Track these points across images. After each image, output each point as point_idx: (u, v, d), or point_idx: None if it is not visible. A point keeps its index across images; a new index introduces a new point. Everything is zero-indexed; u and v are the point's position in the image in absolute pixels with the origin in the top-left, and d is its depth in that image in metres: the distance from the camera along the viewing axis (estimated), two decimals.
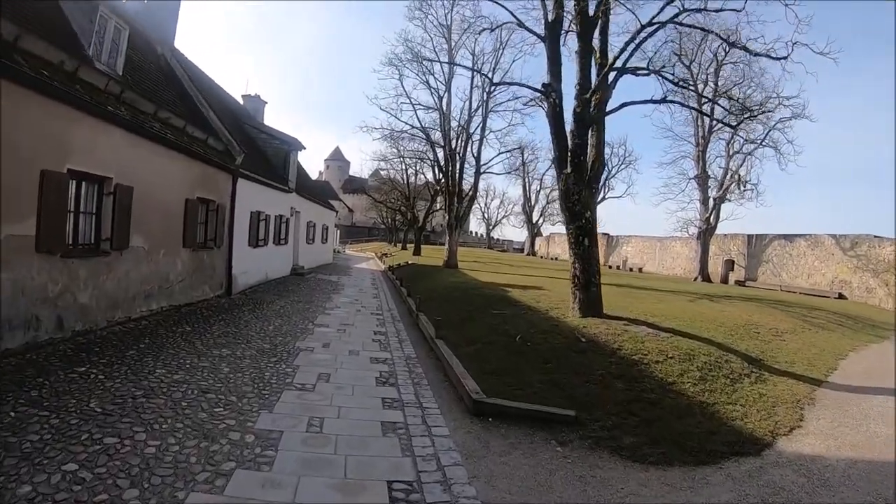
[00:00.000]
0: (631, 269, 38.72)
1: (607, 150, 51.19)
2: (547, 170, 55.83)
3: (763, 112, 18.30)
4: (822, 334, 11.88)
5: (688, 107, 21.59)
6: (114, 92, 9.18)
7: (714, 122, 26.17)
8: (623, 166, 50.86)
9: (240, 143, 15.15)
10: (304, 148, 22.82)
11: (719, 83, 28.20)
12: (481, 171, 27.64)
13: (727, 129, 22.02)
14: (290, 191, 21.06)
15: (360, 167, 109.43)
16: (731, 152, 30.03)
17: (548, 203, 59.61)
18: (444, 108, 26.56)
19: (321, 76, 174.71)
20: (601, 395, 6.64)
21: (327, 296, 16.40)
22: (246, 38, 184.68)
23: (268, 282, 18.27)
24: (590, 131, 10.78)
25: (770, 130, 26.27)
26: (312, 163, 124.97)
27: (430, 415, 6.07)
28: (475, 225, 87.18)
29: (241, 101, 24.47)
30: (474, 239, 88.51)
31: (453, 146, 26.44)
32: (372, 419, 5.78)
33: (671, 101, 12.39)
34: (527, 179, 58.07)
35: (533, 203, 60.22)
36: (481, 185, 29.97)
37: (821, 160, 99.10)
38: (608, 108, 10.92)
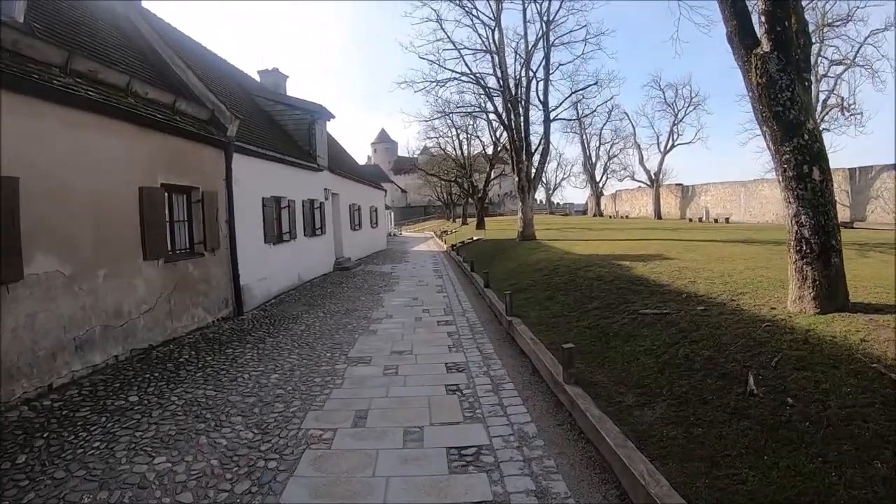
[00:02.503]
0: (716, 221, 33.03)
1: (670, 94, 45.65)
2: (605, 124, 50.56)
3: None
4: None
5: None
6: None
7: None
8: (691, 108, 45.54)
9: (234, 109, 11.00)
10: (333, 116, 18.57)
11: None
12: (551, 117, 22.48)
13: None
14: (321, 168, 16.92)
15: (407, 144, 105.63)
16: (817, 76, 26.00)
17: (609, 159, 56.36)
18: (496, 44, 21.53)
19: (357, 57, 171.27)
20: None
21: (375, 297, 12.18)
22: (275, 27, 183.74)
23: (301, 286, 14.27)
24: None
25: (861, 46, 20.97)
26: (359, 149, 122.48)
27: None
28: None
29: (258, 78, 20.52)
30: (533, 206, 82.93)
31: (513, 92, 21.42)
32: None
33: None
34: (585, 135, 53.99)
35: (594, 160, 56.54)
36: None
37: None
38: None
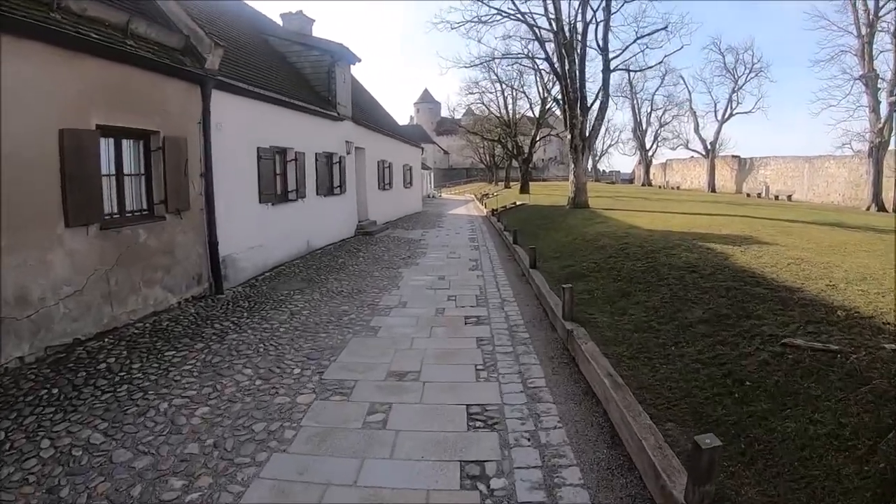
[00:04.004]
0: (776, 198, 29.68)
1: (730, 59, 41.33)
2: (657, 88, 46.85)
3: None
4: None
5: None
6: None
7: None
8: (752, 75, 41.05)
9: (217, 36, 8.66)
10: (359, 60, 15.97)
11: None
12: (611, 67, 19.16)
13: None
14: (341, 118, 14.49)
15: (447, 101, 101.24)
16: None
17: (661, 126, 52.34)
18: None
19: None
20: None
21: (392, 274, 9.83)
22: None
23: (309, 254, 12.05)
24: None
25: None
26: (401, 109, 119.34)
27: None
28: None
29: (281, 23, 17.96)
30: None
31: (567, 35, 18.21)
32: None
33: None
34: (636, 101, 50.47)
35: (644, 127, 52.74)
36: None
37: None
38: None
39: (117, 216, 6.77)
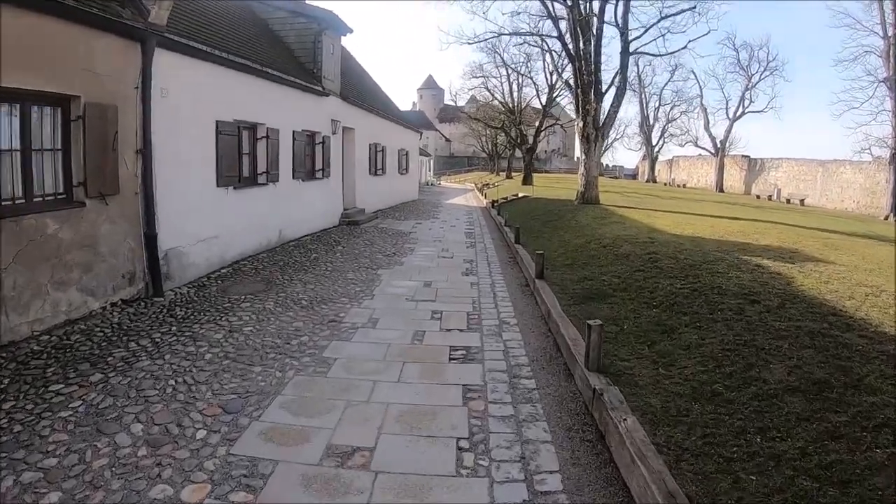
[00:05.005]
0: (788, 201, 28.34)
1: (744, 55, 39.52)
2: (666, 83, 45.51)
3: None
4: None
5: None
6: None
7: None
8: (767, 73, 39.27)
9: None
10: (350, 30, 14.29)
11: None
12: (630, 48, 17.37)
13: None
14: (326, 93, 12.85)
15: (450, 86, 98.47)
16: None
17: (668, 122, 51.06)
18: None
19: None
20: None
21: (369, 277, 8.26)
22: None
23: (280, 246, 10.49)
24: None
25: None
26: (405, 96, 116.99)
27: None
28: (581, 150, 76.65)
29: None
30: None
31: (582, 10, 16.43)
32: None
33: None
34: (644, 95, 48.72)
35: (651, 122, 51.28)
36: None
37: None
38: None
39: (21, 202, 5.25)
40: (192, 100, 7.65)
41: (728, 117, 40.61)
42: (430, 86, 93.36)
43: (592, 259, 8.07)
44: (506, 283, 8.08)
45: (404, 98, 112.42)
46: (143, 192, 6.74)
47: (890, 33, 21.57)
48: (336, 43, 13.96)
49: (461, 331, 5.70)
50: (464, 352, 5.04)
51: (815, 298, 5.09)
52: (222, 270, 8.32)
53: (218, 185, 8.40)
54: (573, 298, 6.08)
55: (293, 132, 11.14)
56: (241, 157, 9.31)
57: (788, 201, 28.51)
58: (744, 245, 8.15)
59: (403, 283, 7.83)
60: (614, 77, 17.22)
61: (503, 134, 47.01)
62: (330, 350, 4.97)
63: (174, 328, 5.53)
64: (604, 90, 16.87)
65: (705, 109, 43.32)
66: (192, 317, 5.96)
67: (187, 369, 4.48)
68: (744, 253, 7.33)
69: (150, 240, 6.80)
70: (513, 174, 46.69)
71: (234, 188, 8.93)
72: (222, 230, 8.49)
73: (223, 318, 5.89)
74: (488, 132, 53.88)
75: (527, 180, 34.74)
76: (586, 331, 3.82)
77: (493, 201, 21.80)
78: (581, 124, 16.33)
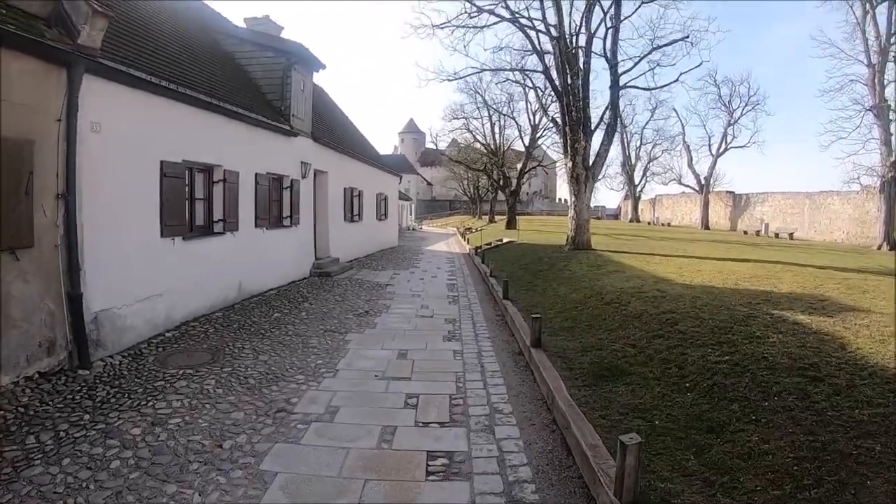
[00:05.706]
0: (777, 236, 28.12)
1: (725, 91, 41.23)
2: (647, 122, 46.31)
3: None
4: None
5: None
6: None
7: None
8: (748, 108, 40.40)
9: (96, 2, 6.13)
10: (323, 66, 13.51)
11: None
12: (620, 82, 16.52)
13: None
14: (294, 133, 11.91)
15: (430, 128, 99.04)
16: None
17: (650, 161, 51.68)
18: None
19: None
20: None
21: (334, 345, 7.04)
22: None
23: (239, 303, 9.30)
24: None
25: None
26: (386, 138, 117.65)
27: None
28: (564, 191, 76.87)
29: (244, 26, 15.29)
30: (562, 206, 76.92)
31: (569, 42, 15.83)
32: None
33: None
34: (625, 134, 49.02)
35: (633, 161, 51.85)
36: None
37: None
38: None
39: None
40: (132, 136, 6.61)
41: (711, 154, 41.38)
42: (412, 129, 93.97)
43: (597, 320, 7.01)
44: (495, 350, 6.92)
45: (386, 142, 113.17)
46: (66, 244, 5.62)
47: (874, 61, 21.52)
48: (307, 79, 13.14)
49: (442, 425, 4.51)
50: (446, 461, 3.85)
51: (887, 368, 4.07)
52: (167, 334, 7.10)
53: (163, 236, 7.27)
54: (581, 376, 4.99)
55: (256, 175, 10.12)
56: (193, 203, 8.25)
57: (777, 235, 28.31)
58: (765, 295, 7.21)
59: (374, 354, 6.64)
60: (603, 114, 16.65)
61: (485, 177, 46.60)
62: (270, 459, 3.75)
63: (87, 417, 4.33)
64: (593, 128, 16.22)
65: (688, 147, 43.94)
66: (113, 400, 4.74)
67: (83, 485, 3.30)
68: (771, 306, 6.37)
69: (75, 301, 5.63)
70: (496, 217, 46.10)
71: (184, 238, 7.79)
72: (168, 287, 7.32)
73: (149, 404, 4.67)
74: (470, 175, 53.67)
75: (511, 224, 34.05)
76: (619, 450, 2.72)
77: (477, 247, 20.84)
78: (570, 164, 15.58)
